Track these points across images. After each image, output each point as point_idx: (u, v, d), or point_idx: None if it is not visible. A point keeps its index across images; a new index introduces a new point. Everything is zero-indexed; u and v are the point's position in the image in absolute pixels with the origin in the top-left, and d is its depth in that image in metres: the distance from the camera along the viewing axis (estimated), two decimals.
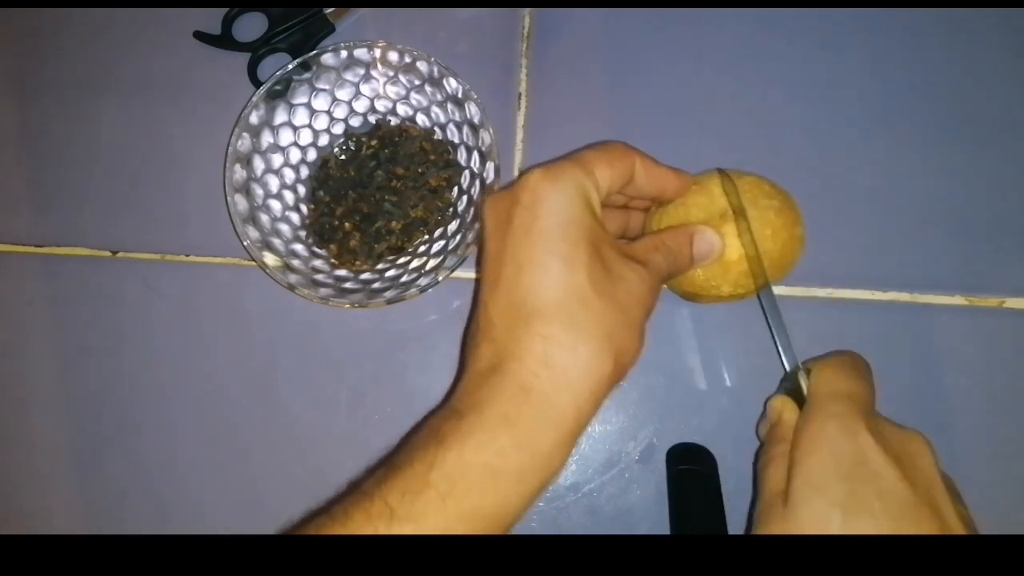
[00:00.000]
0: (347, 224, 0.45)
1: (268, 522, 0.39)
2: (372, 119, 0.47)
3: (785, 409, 0.37)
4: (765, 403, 0.39)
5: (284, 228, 0.45)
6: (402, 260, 0.45)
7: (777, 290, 0.44)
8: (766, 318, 0.38)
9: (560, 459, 0.31)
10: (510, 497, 0.30)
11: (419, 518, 0.28)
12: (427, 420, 0.32)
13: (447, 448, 0.29)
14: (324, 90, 0.45)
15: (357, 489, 0.30)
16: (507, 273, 0.32)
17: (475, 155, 0.44)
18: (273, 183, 0.45)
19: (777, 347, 0.38)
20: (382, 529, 0.28)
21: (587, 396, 0.31)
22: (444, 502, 0.28)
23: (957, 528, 0.32)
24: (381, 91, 0.46)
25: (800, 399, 0.36)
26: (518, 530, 0.44)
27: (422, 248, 0.45)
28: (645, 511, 0.44)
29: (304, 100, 0.45)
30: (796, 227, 0.39)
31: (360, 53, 0.44)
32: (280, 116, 0.45)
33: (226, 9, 0.48)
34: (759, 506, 0.35)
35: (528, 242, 0.32)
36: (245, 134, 0.43)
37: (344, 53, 0.44)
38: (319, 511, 0.31)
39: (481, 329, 0.33)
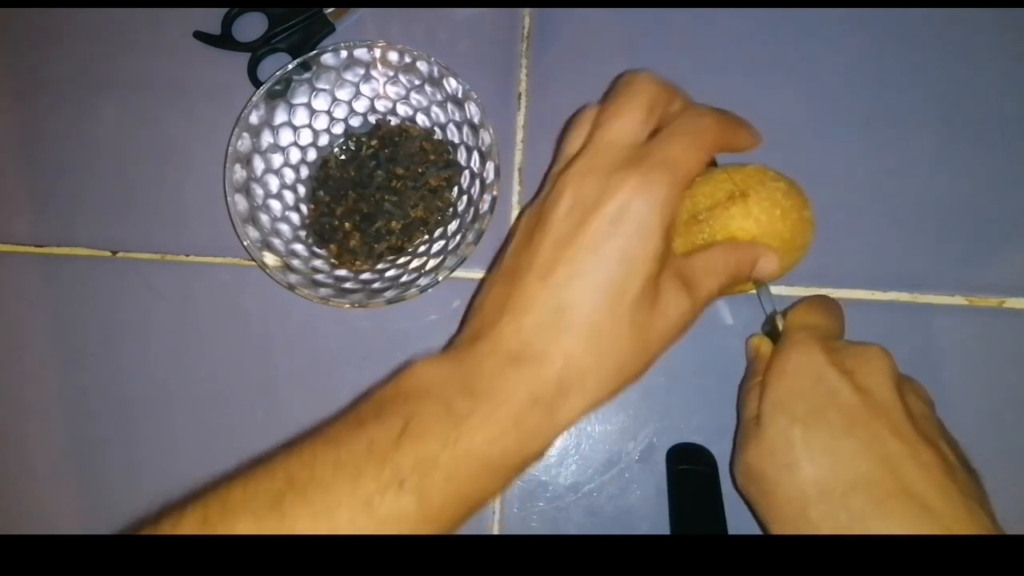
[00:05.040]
0: (347, 224, 0.45)
1: None
2: (372, 119, 0.47)
3: (762, 345, 0.41)
4: (746, 343, 0.43)
5: (284, 228, 0.45)
6: (402, 260, 0.45)
7: (778, 290, 0.44)
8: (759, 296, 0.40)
9: (537, 461, 0.33)
10: (494, 491, 0.32)
11: (425, 495, 0.29)
12: (435, 370, 0.32)
13: (460, 433, 0.30)
14: (324, 90, 0.45)
15: (370, 440, 0.30)
16: (561, 271, 0.32)
17: (475, 155, 0.44)
18: (273, 183, 0.45)
19: (760, 300, 0.40)
20: (389, 497, 0.29)
21: (578, 416, 0.32)
22: (447, 485, 0.29)
23: (907, 430, 0.33)
24: (381, 91, 0.46)
25: (777, 338, 0.39)
26: (519, 530, 0.45)
27: (422, 248, 0.45)
28: (645, 511, 0.44)
29: (304, 100, 0.45)
30: (804, 209, 0.39)
31: (360, 53, 0.44)
32: (280, 116, 0.45)
33: (226, 9, 0.48)
34: (739, 433, 0.39)
35: (593, 256, 0.32)
36: (245, 134, 0.43)
37: (344, 53, 0.44)
38: (325, 438, 0.30)
39: (515, 308, 0.32)
